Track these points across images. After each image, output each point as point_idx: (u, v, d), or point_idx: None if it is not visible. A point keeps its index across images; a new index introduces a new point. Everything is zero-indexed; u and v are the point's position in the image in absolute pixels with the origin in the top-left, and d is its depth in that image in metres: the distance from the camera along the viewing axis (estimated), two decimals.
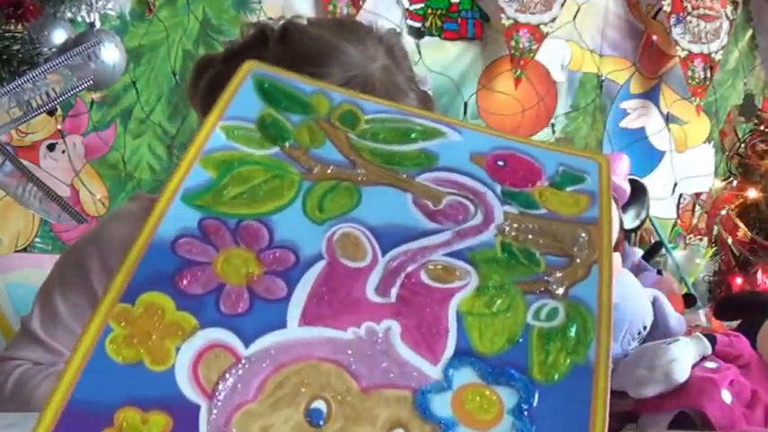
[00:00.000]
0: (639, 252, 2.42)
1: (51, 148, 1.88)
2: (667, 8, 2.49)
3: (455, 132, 0.56)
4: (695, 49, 2.54)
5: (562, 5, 2.35)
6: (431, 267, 0.49)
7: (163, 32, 1.97)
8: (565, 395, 0.45)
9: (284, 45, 0.86)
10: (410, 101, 0.87)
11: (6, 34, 1.43)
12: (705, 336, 1.26)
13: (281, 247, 0.48)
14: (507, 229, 0.52)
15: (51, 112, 1.69)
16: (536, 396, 0.45)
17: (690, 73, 2.53)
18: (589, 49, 2.48)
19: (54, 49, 1.51)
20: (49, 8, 1.52)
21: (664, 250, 2.45)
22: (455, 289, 0.49)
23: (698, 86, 2.54)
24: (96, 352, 0.43)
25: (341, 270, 0.48)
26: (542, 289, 0.49)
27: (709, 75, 2.56)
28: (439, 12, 2.26)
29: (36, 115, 1.41)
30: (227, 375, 0.44)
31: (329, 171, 0.53)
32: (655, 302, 1.41)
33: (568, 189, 0.55)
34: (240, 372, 0.44)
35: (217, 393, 0.43)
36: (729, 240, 2.14)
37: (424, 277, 0.49)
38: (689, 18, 2.51)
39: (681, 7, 2.51)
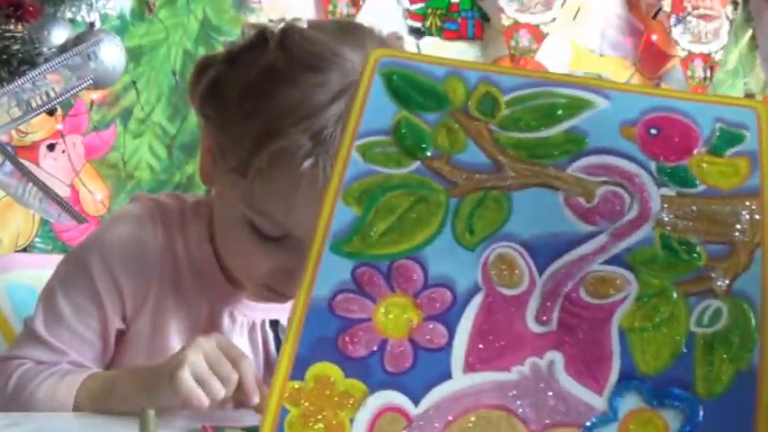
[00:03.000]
0: None
1: (51, 148, 1.88)
2: (667, 8, 2.49)
3: (601, 98, 0.52)
4: (695, 49, 2.54)
5: (562, 5, 2.35)
6: (590, 281, 0.48)
7: (163, 32, 1.97)
8: (727, 408, 0.45)
9: (283, 49, 0.84)
10: None
11: (6, 34, 1.43)
12: None
13: (437, 285, 0.48)
14: (665, 217, 0.49)
15: (51, 112, 1.69)
16: (700, 414, 0.45)
17: (690, 73, 2.53)
18: (589, 49, 2.48)
19: (54, 49, 1.51)
20: (48, 8, 1.52)
21: None
22: (615, 303, 0.48)
23: (698, 86, 2.55)
24: None
25: (499, 301, 0.48)
26: (704, 288, 0.47)
27: (709, 75, 2.56)
28: (439, 12, 2.26)
29: (36, 115, 1.41)
30: None
31: (474, 180, 0.51)
32: None
33: (727, 153, 0.51)
34: None
35: None
36: None
37: (583, 295, 0.48)
38: (689, 18, 2.51)
39: (681, 7, 2.51)
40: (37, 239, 1.87)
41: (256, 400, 0.82)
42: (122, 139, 1.94)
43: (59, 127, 1.87)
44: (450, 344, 0.47)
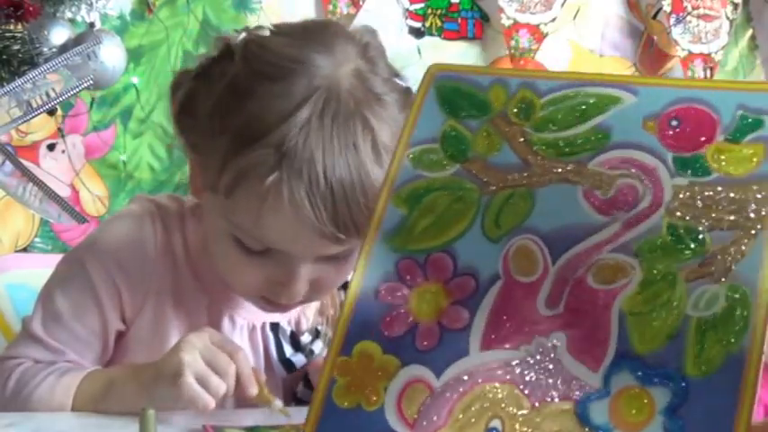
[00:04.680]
0: None
1: (51, 148, 1.88)
2: (667, 8, 2.49)
3: (629, 94, 0.55)
4: (695, 49, 2.54)
5: (562, 5, 2.35)
6: (597, 268, 0.51)
7: (163, 32, 1.97)
8: (714, 388, 0.46)
9: (246, 61, 0.82)
10: (386, 106, 0.82)
11: (6, 34, 1.43)
12: None
13: (464, 275, 0.54)
14: (675, 206, 0.51)
15: (51, 112, 1.69)
16: (687, 393, 0.46)
17: (690, 73, 2.53)
18: (589, 50, 2.48)
19: (54, 49, 1.51)
20: (48, 8, 1.52)
21: None
22: (619, 289, 0.50)
23: None
24: (327, 401, 0.53)
25: (515, 288, 0.53)
26: (704, 273, 0.49)
27: (709, 75, 2.56)
28: (439, 12, 2.26)
29: (36, 115, 1.41)
30: (423, 407, 0.52)
31: (505, 179, 0.55)
32: None
33: (745, 140, 0.52)
34: (433, 402, 0.52)
35: (416, 423, 0.51)
36: None
37: (590, 281, 0.51)
38: (689, 18, 2.51)
39: (681, 7, 2.51)
40: (37, 239, 1.87)
41: (254, 391, 0.82)
42: (122, 139, 1.94)
43: (59, 127, 1.87)
44: (470, 325, 0.53)
